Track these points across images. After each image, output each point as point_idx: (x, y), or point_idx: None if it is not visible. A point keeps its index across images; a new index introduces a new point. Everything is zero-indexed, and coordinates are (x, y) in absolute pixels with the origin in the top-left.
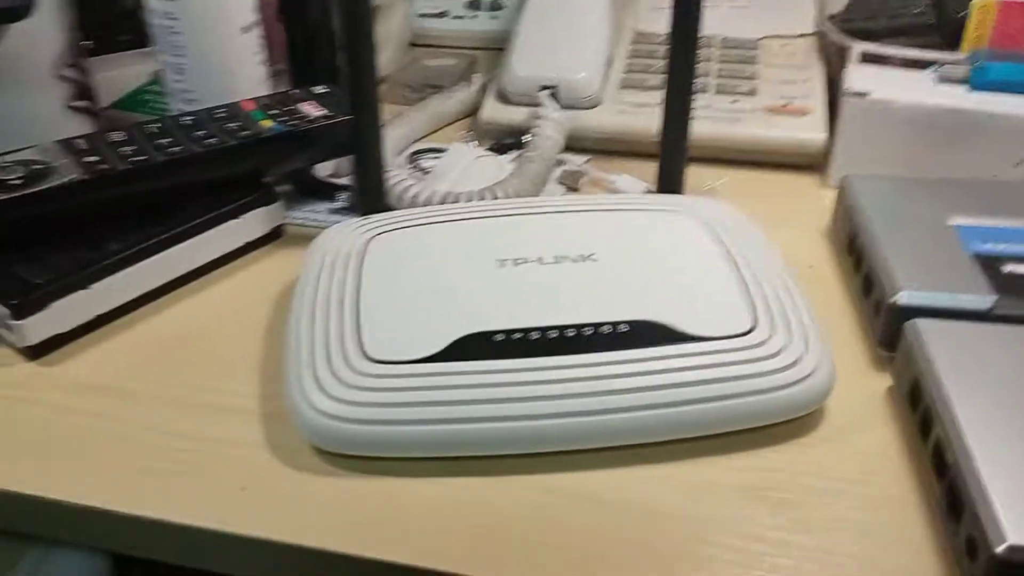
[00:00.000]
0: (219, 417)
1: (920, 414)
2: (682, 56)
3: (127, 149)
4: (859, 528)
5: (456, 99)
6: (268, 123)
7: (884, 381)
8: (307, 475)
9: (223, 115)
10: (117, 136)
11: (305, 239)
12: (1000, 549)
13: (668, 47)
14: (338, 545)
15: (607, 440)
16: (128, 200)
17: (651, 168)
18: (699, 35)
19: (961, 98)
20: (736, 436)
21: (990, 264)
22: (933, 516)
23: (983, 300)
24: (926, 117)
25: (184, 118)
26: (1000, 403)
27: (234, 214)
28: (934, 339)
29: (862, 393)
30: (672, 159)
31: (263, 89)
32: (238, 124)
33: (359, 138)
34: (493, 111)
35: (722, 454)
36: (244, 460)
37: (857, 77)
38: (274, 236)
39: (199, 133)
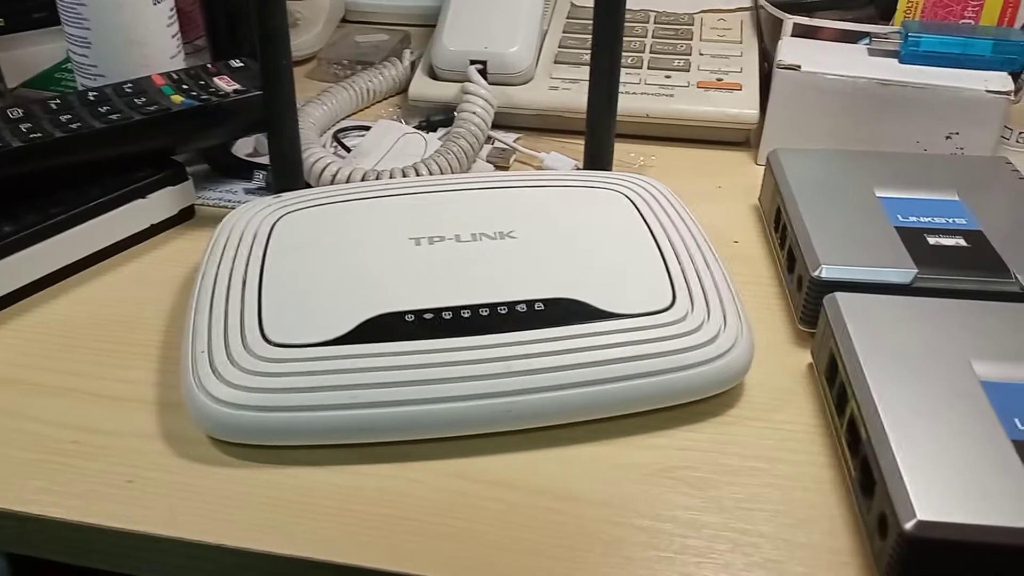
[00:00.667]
0: (114, 408)
1: (836, 390)
2: (608, 31)
3: (24, 126)
4: (773, 507)
5: (385, 75)
6: (178, 98)
7: (806, 357)
8: (201, 466)
9: (130, 90)
10: (14, 113)
11: (219, 218)
12: (909, 525)
13: (594, 22)
14: (233, 540)
15: (518, 423)
16: (25, 179)
17: (583, 145)
18: (624, 8)
19: (892, 70)
20: (653, 415)
21: (914, 236)
22: (848, 494)
23: (904, 273)
24: (856, 90)
25: (90, 94)
26: (916, 379)
27: (140, 193)
28: (853, 314)
29: (783, 370)
30: (599, 135)
31: (177, 63)
32: (145, 99)
33: (271, 114)
34: (422, 87)
35: (638, 433)
36: (134, 452)
37: (788, 50)
38: (185, 216)
39: (103, 109)
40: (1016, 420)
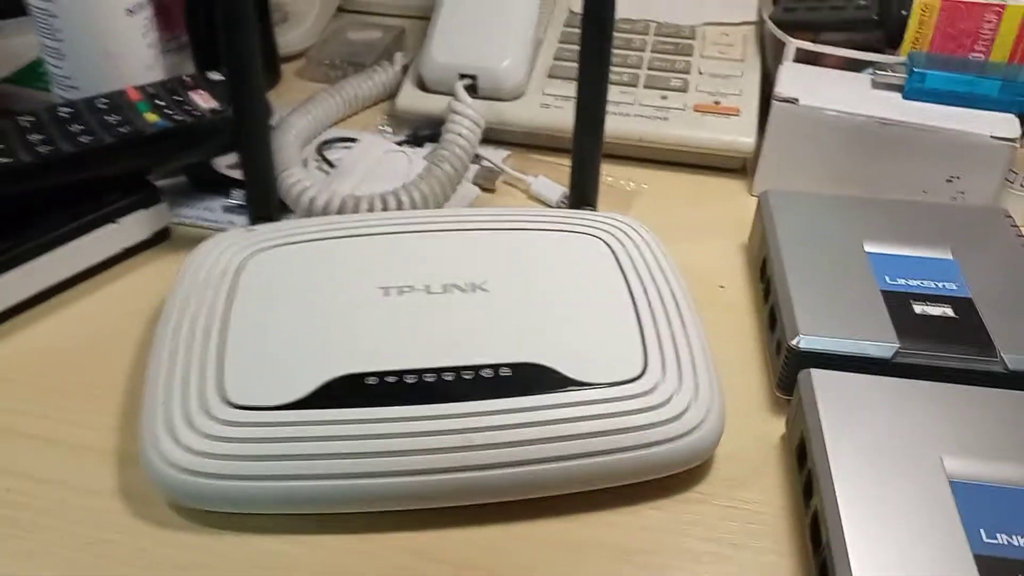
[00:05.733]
0: (72, 457)
1: (804, 476)
2: (595, 62)
3: None
4: None
5: (375, 81)
6: (153, 117)
7: (779, 426)
8: (163, 531)
9: (104, 106)
10: None
11: (195, 241)
12: None
13: (580, 55)
14: None
15: (479, 497)
16: None
17: None
18: (611, 40)
19: (894, 107)
20: (617, 488)
21: (900, 303)
22: None
23: (886, 348)
24: (856, 127)
25: (62, 109)
26: (884, 478)
27: (110, 218)
28: (826, 396)
29: (756, 440)
30: (584, 171)
31: (154, 74)
32: (119, 118)
33: (242, 141)
34: (410, 99)
35: (600, 509)
36: (94, 510)
37: (787, 81)
38: (160, 238)
39: (74, 128)
40: (981, 531)
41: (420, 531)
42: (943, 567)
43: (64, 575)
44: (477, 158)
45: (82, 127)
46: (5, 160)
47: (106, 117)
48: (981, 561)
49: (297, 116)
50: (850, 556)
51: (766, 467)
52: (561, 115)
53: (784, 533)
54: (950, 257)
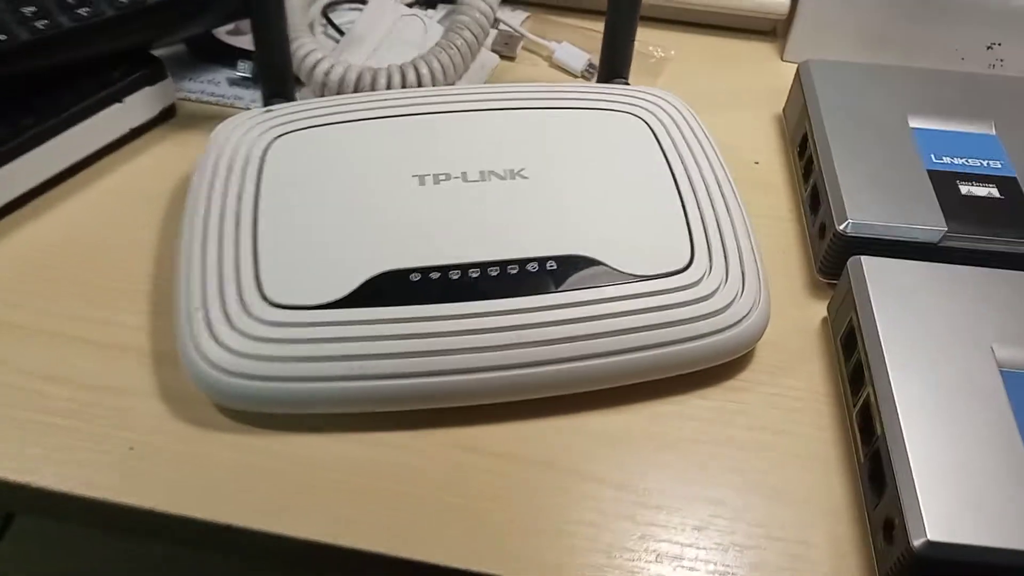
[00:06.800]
0: (106, 357)
1: (852, 365)
2: None
3: None
4: (773, 487)
5: None
6: None
7: (820, 311)
8: (205, 432)
9: None
10: None
11: (202, 119)
12: (918, 543)
13: None
14: (241, 519)
15: (528, 393)
16: None
17: (596, 26)
18: None
19: None
20: (660, 380)
21: (946, 183)
22: (853, 475)
23: (934, 232)
24: None
25: None
26: (936, 369)
27: (116, 97)
28: (877, 285)
29: (797, 324)
30: (618, 40)
31: None
32: None
33: (253, 9)
34: None
35: (647, 399)
36: (134, 413)
37: None
38: (166, 116)
39: (72, 1)
40: None
41: (472, 426)
42: (998, 465)
43: (123, 483)
44: (496, 22)
45: (77, 0)
46: (2, 38)
47: None
48: None
49: None
50: (908, 451)
51: (808, 354)
52: None
53: (827, 419)
54: (993, 132)
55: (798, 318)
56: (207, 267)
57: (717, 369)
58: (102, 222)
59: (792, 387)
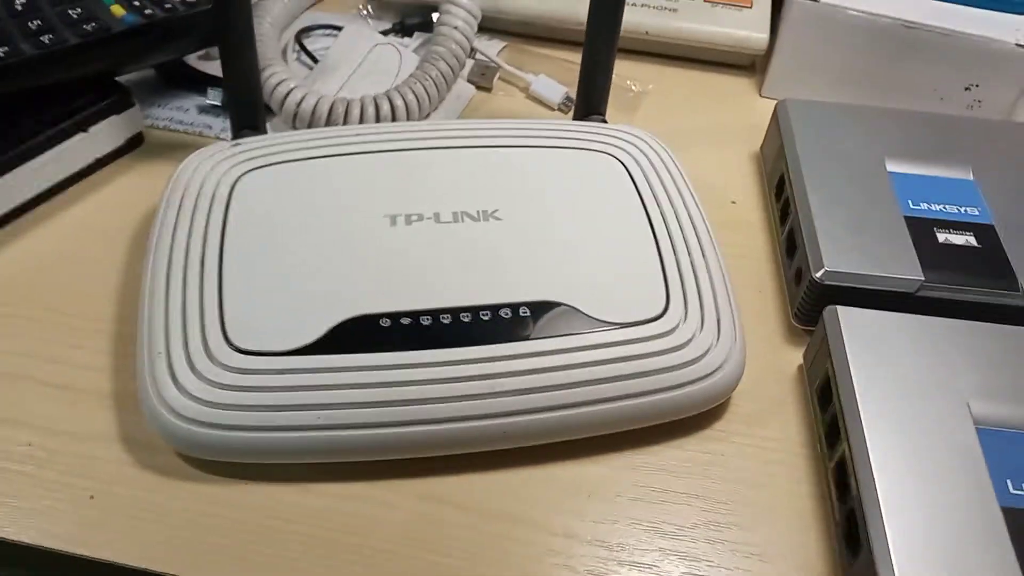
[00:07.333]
0: (66, 400)
1: (828, 417)
2: None
3: None
4: (748, 543)
5: None
6: (120, 10)
7: (795, 356)
8: (167, 480)
9: None
10: None
11: (170, 148)
12: None
13: None
14: (198, 571)
15: (499, 444)
16: None
17: (574, 57)
18: None
19: (919, 8)
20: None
21: (923, 230)
22: (829, 531)
23: (910, 282)
24: (877, 30)
25: (17, 2)
26: (912, 425)
27: (80, 126)
28: (853, 336)
29: (772, 372)
30: (596, 77)
31: None
32: (82, 11)
33: (222, 39)
34: None
35: (622, 450)
36: (94, 459)
37: None
38: (133, 145)
39: (33, 25)
40: (1008, 482)
41: (439, 476)
42: (971, 523)
43: (69, 531)
44: (472, 52)
45: (41, 23)
46: None
47: (68, 10)
48: (1008, 513)
49: (270, 1)
50: (884, 515)
51: (783, 403)
52: (561, 2)
53: (802, 472)
54: (971, 178)
55: (774, 364)
56: (170, 309)
57: (692, 418)
58: (64, 257)
59: (768, 437)
